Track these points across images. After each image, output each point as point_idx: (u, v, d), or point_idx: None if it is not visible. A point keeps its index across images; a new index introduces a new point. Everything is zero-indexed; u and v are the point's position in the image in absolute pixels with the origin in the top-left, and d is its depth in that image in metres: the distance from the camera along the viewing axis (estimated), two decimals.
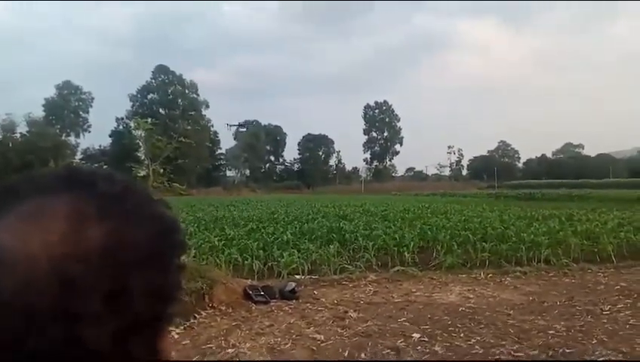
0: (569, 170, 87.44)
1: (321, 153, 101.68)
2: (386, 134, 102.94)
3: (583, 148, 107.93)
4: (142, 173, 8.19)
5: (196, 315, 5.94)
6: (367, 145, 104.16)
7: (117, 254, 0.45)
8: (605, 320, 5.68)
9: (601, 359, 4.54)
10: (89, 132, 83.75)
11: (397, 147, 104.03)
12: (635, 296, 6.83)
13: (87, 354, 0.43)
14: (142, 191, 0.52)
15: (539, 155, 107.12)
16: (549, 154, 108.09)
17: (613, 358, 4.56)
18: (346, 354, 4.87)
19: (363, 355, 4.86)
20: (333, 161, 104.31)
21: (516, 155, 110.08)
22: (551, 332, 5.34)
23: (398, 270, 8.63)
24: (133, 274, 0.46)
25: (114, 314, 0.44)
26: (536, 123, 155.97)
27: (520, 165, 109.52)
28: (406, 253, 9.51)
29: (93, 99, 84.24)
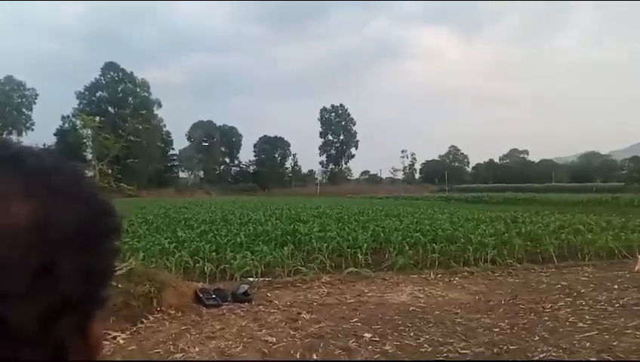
0: (514, 175, 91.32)
1: (277, 155, 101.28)
2: (341, 137, 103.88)
3: (528, 154, 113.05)
4: (88, 173, 7.81)
5: (144, 320, 5.75)
6: (323, 147, 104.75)
7: (44, 232, 0.43)
8: (547, 318, 5.94)
9: (542, 356, 4.74)
10: (32, 130, 79.76)
11: (352, 150, 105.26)
12: (575, 294, 7.19)
13: (12, 334, 0.41)
14: (73, 171, 0.49)
15: (487, 160, 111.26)
16: (496, 160, 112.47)
17: (554, 354, 4.77)
18: (297, 356, 4.85)
19: (315, 356, 4.85)
20: (289, 164, 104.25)
21: (466, 160, 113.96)
22: (496, 330, 5.53)
23: (351, 271, 8.70)
24: (61, 253, 0.43)
25: (41, 293, 0.42)
26: (484, 129, 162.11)
27: (469, 169, 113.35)
28: (359, 255, 9.61)
29: (37, 95, 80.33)
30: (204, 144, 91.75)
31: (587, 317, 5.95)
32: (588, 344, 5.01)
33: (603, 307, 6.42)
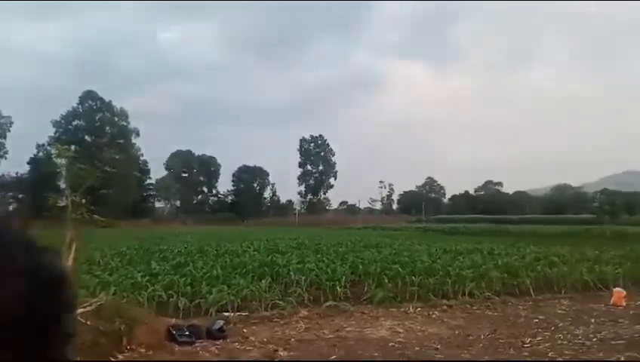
0: (489, 206, 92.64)
1: (255, 185, 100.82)
2: (320, 168, 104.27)
3: (502, 186, 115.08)
4: (61, 204, 7.64)
5: (112, 359, 5.49)
6: (302, 178, 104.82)
7: None
8: (527, 353, 5.90)
9: None
10: (5, 158, 77.66)
11: (331, 181, 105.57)
12: (553, 328, 7.19)
13: None
14: (15, 239, 0.42)
15: (462, 191, 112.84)
16: (471, 191, 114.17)
17: None
18: None
19: None
20: (267, 194, 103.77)
21: (442, 191, 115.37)
22: None
23: (330, 305, 8.55)
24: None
25: None
26: (460, 160, 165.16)
27: (446, 200, 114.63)
28: (338, 288, 9.48)
29: (12, 123, 78.56)
30: (183, 174, 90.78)
31: (566, 352, 5.94)
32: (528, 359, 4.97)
33: (581, 341, 6.42)
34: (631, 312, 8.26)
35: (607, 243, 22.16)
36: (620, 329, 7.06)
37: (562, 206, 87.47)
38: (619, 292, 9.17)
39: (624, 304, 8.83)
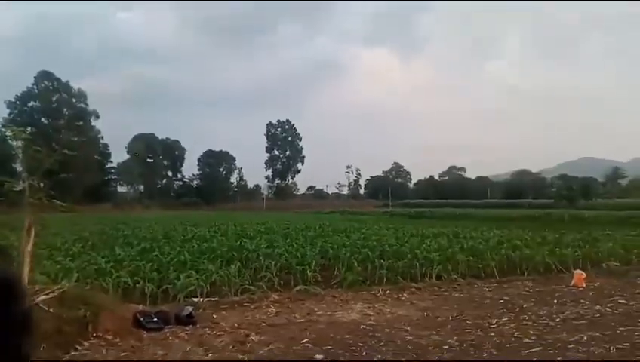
0: (453, 191, 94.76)
1: (222, 170, 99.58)
2: (288, 153, 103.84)
3: (465, 171, 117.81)
4: (18, 188, 7.26)
5: (78, 347, 5.30)
6: (270, 163, 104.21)
7: None
8: (493, 334, 6.04)
9: None
10: None
11: (299, 165, 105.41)
12: (518, 309, 7.40)
13: None
14: None
15: (427, 177, 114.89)
16: (436, 176, 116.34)
17: None
18: None
19: None
20: (234, 178, 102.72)
21: (408, 176, 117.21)
22: (445, 347, 5.55)
23: (300, 289, 8.53)
24: None
25: None
26: (425, 146, 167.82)
27: (411, 185, 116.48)
28: (308, 272, 9.47)
29: None
30: (147, 160, 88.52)
31: (531, 332, 6.11)
32: (534, 359, 5.12)
33: (545, 322, 6.62)
34: (591, 293, 8.59)
35: (566, 227, 23.03)
36: (581, 309, 7.34)
37: (522, 191, 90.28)
38: (579, 274, 9.53)
39: (584, 285, 9.18)
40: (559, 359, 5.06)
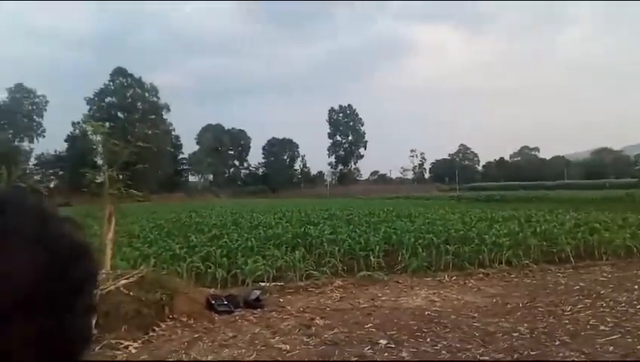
0: (526, 173, 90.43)
1: (285, 157, 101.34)
2: (350, 138, 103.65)
3: (539, 151, 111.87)
4: (99, 180, 7.84)
5: (155, 328, 5.68)
6: (332, 148, 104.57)
7: None
8: (567, 321, 5.78)
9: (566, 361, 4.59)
10: (43, 137, 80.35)
11: (361, 151, 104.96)
12: (594, 296, 7.01)
13: None
14: (33, 208, 0.38)
15: (497, 158, 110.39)
16: (506, 157, 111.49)
17: (576, 359, 4.62)
18: None
19: None
20: (298, 165, 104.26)
21: (476, 158, 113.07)
22: (515, 334, 5.38)
23: (364, 274, 8.57)
24: (12, 318, 0.32)
25: None
26: (494, 126, 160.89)
27: (479, 168, 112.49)
28: (372, 257, 9.48)
29: (47, 102, 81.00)
30: (214, 149, 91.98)
31: (608, 319, 5.78)
32: (611, 348, 4.86)
33: (624, 309, 6.24)
34: None
35: None
36: None
37: (603, 170, 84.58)
38: None
39: None
40: (638, 348, 4.76)
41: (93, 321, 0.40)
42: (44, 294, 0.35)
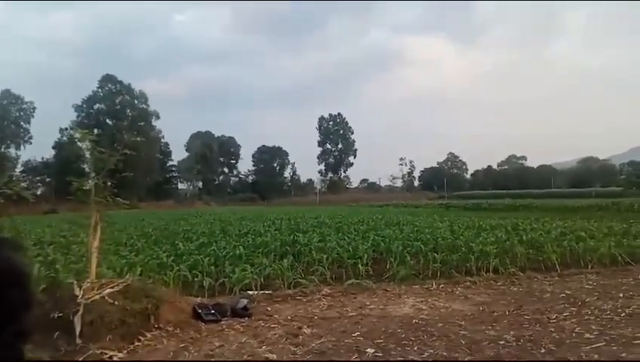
0: (513, 181, 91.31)
1: (275, 165, 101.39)
2: (340, 146, 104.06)
3: (526, 160, 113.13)
4: (85, 187, 7.75)
5: (141, 337, 5.61)
6: (322, 156, 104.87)
7: None
8: (553, 329, 5.82)
9: None
10: (30, 143, 79.54)
11: (351, 159, 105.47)
12: (580, 303, 7.07)
13: None
14: None
15: (485, 167, 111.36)
16: (494, 166, 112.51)
17: None
18: None
19: None
20: (287, 173, 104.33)
21: (464, 167, 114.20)
22: (501, 342, 5.40)
23: (352, 283, 8.57)
24: None
25: None
26: (482, 135, 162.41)
27: (468, 176, 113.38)
28: (360, 266, 9.49)
29: (35, 109, 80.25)
30: (204, 156, 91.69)
31: (594, 327, 5.83)
32: (596, 356, 4.89)
33: (609, 316, 6.30)
34: None
35: (636, 217, 21.63)
36: None
37: (589, 179, 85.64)
38: None
39: None
40: (622, 356, 4.81)
41: (25, 346, 0.40)
42: None
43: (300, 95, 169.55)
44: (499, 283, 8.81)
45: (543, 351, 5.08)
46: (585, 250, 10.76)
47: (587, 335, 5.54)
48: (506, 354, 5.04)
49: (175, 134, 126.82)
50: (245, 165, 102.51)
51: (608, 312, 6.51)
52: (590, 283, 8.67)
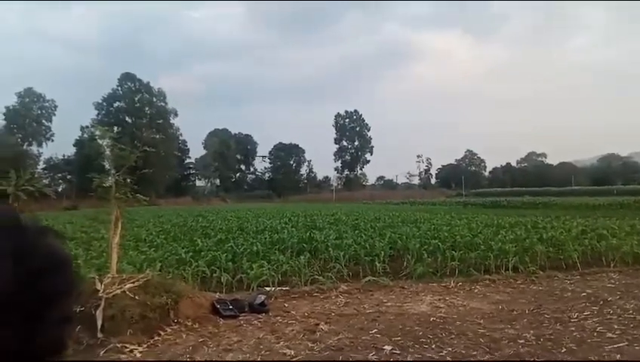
0: (533, 179, 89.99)
1: (292, 162, 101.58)
2: (356, 143, 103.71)
3: (546, 157, 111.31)
4: (106, 184, 7.88)
5: (160, 332, 5.70)
6: (338, 154, 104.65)
7: None
8: (573, 328, 5.73)
9: None
10: (52, 141, 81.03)
11: (367, 156, 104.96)
12: (602, 302, 6.95)
13: None
14: (8, 221, 0.39)
15: (504, 164, 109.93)
16: (513, 163, 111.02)
17: None
18: None
19: None
20: (304, 170, 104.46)
21: (482, 164, 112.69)
22: (521, 341, 5.34)
23: (369, 280, 8.56)
24: None
25: None
26: (501, 132, 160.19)
27: (486, 174, 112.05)
28: (377, 263, 9.47)
29: (56, 107, 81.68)
30: (223, 153, 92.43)
31: (615, 326, 5.73)
32: (618, 356, 4.81)
33: (632, 316, 6.18)
34: None
35: None
36: None
37: (610, 176, 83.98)
38: None
39: None
40: None
41: (69, 331, 0.41)
42: (14, 305, 0.36)
43: (317, 91, 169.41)
44: (518, 282, 8.70)
45: (563, 350, 5.01)
46: (607, 248, 10.58)
47: (609, 334, 5.45)
48: (525, 353, 4.98)
49: (193, 132, 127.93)
50: (262, 162, 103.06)
51: (631, 311, 6.38)
52: (612, 282, 8.52)
